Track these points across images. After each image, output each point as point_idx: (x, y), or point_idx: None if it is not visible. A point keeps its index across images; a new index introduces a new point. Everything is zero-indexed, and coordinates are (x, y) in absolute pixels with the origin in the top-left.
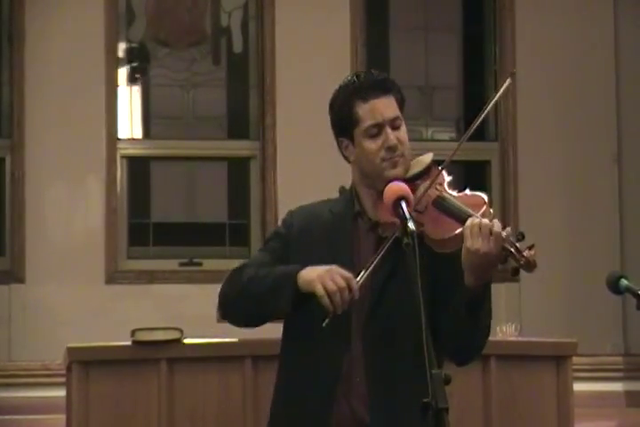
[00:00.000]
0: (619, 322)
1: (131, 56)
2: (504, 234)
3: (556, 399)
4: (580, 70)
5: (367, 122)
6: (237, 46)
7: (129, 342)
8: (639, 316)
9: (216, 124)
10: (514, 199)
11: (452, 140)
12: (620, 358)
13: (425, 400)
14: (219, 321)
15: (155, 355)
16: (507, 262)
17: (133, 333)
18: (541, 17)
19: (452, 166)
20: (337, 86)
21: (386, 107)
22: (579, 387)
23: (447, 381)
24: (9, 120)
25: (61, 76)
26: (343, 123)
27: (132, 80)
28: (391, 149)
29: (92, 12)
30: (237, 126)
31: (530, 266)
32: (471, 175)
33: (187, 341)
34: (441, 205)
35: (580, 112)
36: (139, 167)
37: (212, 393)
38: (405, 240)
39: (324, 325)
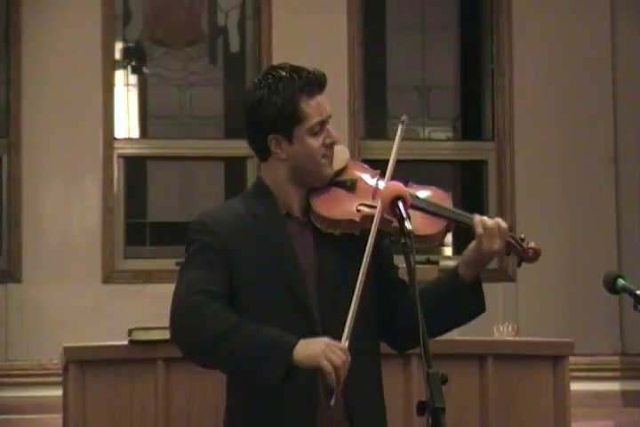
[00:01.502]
0: (616, 322)
1: (127, 56)
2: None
3: (553, 399)
4: (577, 69)
5: (314, 119)
6: (234, 46)
7: (126, 342)
8: (636, 316)
9: (213, 124)
10: (510, 199)
11: (448, 139)
12: (616, 358)
13: (422, 400)
14: None
15: (151, 354)
16: (510, 255)
17: (130, 332)
18: (538, 16)
19: (449, 166)
20: (262, 82)
21: (326, 103)
22: (576, 387)
23: (444, 380)
24: (6, 120)
25: (58, 76)
26: (283, 120)
27: (128, 80)
28: (332, 145)
29: (89, 12)
30: (234, 126)
31: (536, 255)
32: (468, 175)
33: None
34: (417, 203)
35: (576, 111)
36: (135, 167)
37: (208, 393)
38: (402, 240)
39: (332, 404)
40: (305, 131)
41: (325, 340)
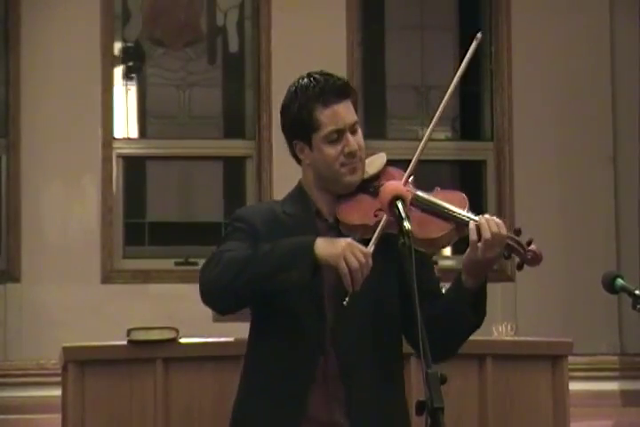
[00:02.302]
0: (614, 321)
1: (126, 55)
2: (508, 233)
3: (551, 399)
4: (576, 70)
5: (328, 127)
6: (233, 46)
7: (125, 342)
8: (635, 315)
9: (212, 124)
10: (509, 199)
11: (447, 139)
12: (615, 358)
13: (420, 400)
14: (215, 321)
15: (150, 354)
16: (510, 258)
17: (129, 332)
18: (537, 17)
19: (448, 166)
20: (291, 88)
21: (346, 112)
22: (574, 386)
23: (443, 380)
24: (5, 119)
25: (57, 76)
26: (301, 126)
27: (127, 80)
28: (351, 154)
29: (88, 12)
30: (233, 126)
31: (537, 259)
32: (467, 175)
33: (182, 340)
34: (424, 205)
35: (575, 111)
36: (134, 167)
37: (207, 393)
38: (401, 240)
39: (345, 303)
40: (321, 139)
41: (349, 240)
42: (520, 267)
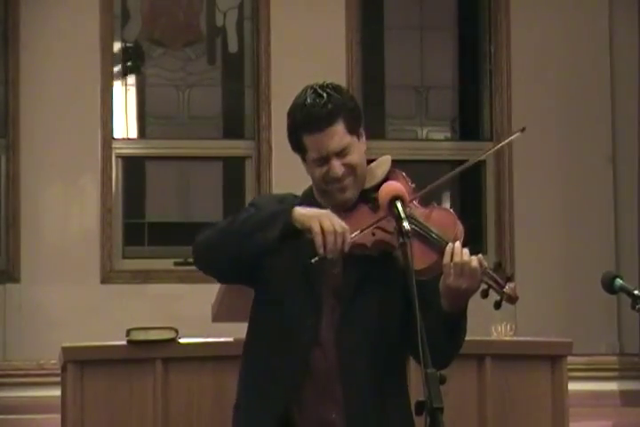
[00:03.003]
0: (613, 322)
1: (126, 56)
2: (483, 268)
3: (551, 399)
4: (575, 70)
5: (312, 153)
6: (232, 46)
7: (124, 342)
8: (634, 315)
9: (211, 124)
10: (509, 199)
11: (447, 139)
12: (614, 358)
13: (420, 400)
14: (214, 321)
15: (150, 355)
16: (488, 296)
17: (128, 332)
18: (536, 16)
19: (447, 166)
20: (295, 100)
21: (330, 139)
22: (574, 386)
23: (442, 380)
24: (4, 120)
25: (56, 76)
26: (294, 145)
27: (127, 80)
28: (334, 179)
29: (88, 12)
30: (232, 126)
31: (512, 300)
32: (466, 175)
33: (182, 340)
34: (415, 231)
35: (574, 112)
36: (134, 167)
37: (207, 393)
38: (401, 240)
39: (312, 262)
40: (309, 160)
41: (328, 211)
42: (497, 305)
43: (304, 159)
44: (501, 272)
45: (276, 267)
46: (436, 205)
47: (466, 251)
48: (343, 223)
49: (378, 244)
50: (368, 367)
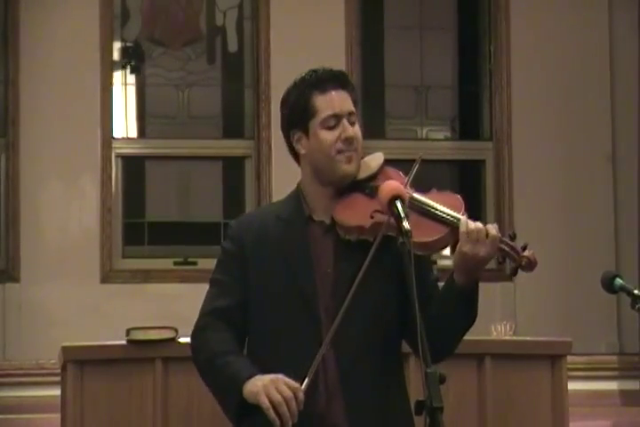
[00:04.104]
0: (613, 321)
1: (125, 55)
2: (499, 235)
3: (550, 398)
4: (575, 69)
5: (325, 112)
6: (232, 45)
7: (124, 342)
8: (634, 315)
9: (211, 124)
10: (508, 199)
11: (446, 139)
12: (614, 357)
13: (419, 399)
14: None
15: (149, 354)
16: (505, 263)
17: (128, 332)
18: (536, 16)
19: (447, 166)
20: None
21: (343, 100)
22: (573, 386)
23: (442, 380)
24: (4, 119)
25: (56, 76)
26: (298, 114)
27: (126, 79)
28: (348, 140)
29: (87, 12)
30: (232, 126)
31: (531, 265)
32: (466, 175)
33: (182, 340)
34: (420, 207)
35: (574, 111)
36: (133, 167)
37: (206, 392)
38: (400, 240)
39: None
40: (318, 124)
41: (274, 376)
42: (514, 272)
43: (305, 130)
44: (516, 241)
45: (269, 289)
46: (436, 190)
47: (480, 224)
48: (292, 382)
49: (376, 226)
50: (367, 368)
